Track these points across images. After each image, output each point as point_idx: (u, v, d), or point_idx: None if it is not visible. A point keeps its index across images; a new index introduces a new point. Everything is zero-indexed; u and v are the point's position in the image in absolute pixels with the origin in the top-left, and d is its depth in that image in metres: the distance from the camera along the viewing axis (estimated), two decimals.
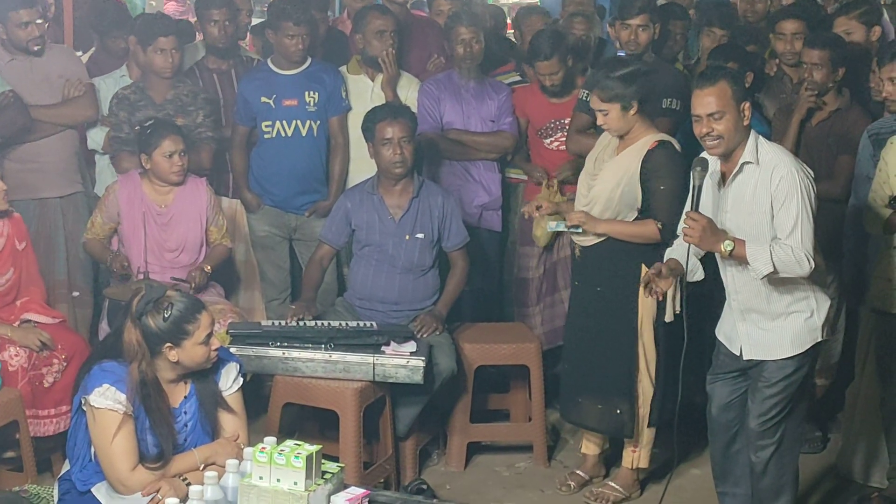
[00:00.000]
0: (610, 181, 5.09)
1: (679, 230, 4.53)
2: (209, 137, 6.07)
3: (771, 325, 4.47)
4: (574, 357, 5.37)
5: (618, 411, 5.19)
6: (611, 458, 5.58)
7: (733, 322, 4.54)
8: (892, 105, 5.20)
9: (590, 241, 5.18)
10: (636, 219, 5.10)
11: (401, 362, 5.09)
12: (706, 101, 4.29)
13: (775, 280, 4.36)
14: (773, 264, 4.22)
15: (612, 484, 5.36)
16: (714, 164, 4.41)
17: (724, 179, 4.41)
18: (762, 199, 4.32)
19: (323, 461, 3.62)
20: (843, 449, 5.53)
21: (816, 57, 5.59)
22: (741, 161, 4.35)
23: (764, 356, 4.49)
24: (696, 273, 4.61)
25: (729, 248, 4.26)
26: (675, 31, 6.41)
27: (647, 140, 5.08)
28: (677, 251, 4.56)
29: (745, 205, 4.37)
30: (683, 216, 4.36)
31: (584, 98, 5.82)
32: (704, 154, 4.45)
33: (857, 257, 5.50)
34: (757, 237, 4.30)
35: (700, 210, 4.36)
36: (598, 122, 5.10)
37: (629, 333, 5.14)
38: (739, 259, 4.30)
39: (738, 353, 4.55)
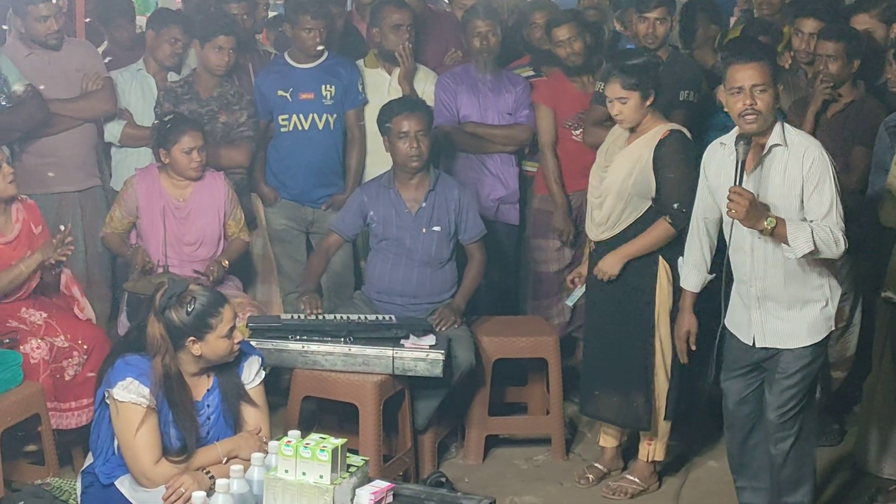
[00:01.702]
0: (622, 171, 5.09)
1: (699, 218, 4.64)
2: (249, 137, 6.13)
3: (787, 313, 4.46)
4: (592, 351, 5.37)
5: (634, 404, 5.20)
6: (629, 452, 5.58)
7: (746, 311, 4.52)
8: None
9: (603, 235, 5.19)
10: (649, 209, 5.09)
11: (420, 355, 5.10)
12: (750, 73, 4.29)
13: (796, 267, 4.38)
14: (814, 243, 4.23)
15: (630, 477, 5.37)
16: (732, 149, 4.39)
17: (744, 165, 4.38)
18: (794, 181, 4.33)
19: (349, 455, 3.65)
20: (859, 441, 5.53)
21: (832, 49, 5.60)
22: (770, 144, 4.35)
23: (780, 345, 4.49)
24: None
25: (771, 225, 4.24)
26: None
27: (658, 130, 5.08)
28: (692, 266, 4.74)
29: (776, 187, 4.36)
30: (727, 193, 4.30)
31: (599, 90, 5.84)
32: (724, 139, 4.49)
33: (873, 249, 5.50)
34: (787, 219, 4.31)
35: (719, 198, 4.40)
36: (613, 112, 5.05)
37: (646, 326, 5.15)
38: (780, 237, 4.27)
39: (750, 343, 4.53)
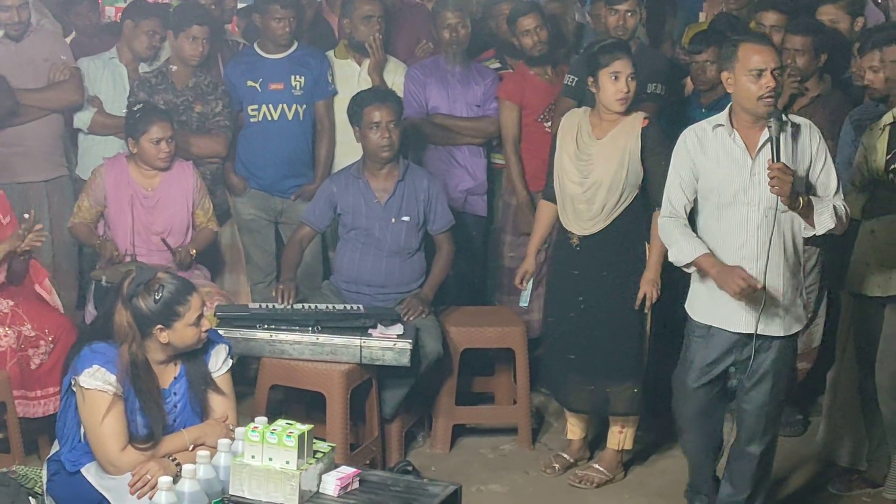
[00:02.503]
0: (611, 164, 5.10)
1: (677, 207, 4.56)
2: (226, 126, 6.14)
3: (783, 298, 4.49)
4: (581, 347, 5.28)
5: (634, 390, 5.20)
6: (595, 443, 5.62)
7: (731, 300, 4.43)
8: (873, 92, 5.25)
9: (588, 230, 5.19)
10: (636, 197, 5.13)
11: (388, 345, 5.12)
12: (772, 56, 4.35)
13: (791, 249, 4.45)
14: (835, 219, 4.32)
15: (597, 466, 5.40)
16: (730, 131, 4.41)
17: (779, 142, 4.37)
18: (801, 160, 4.40)
19: (315, 441, 3.66)
20: (823, 432, 5.58)
21: (799, 43, 5.65)
22: (774, 130, 4.38)
23: (778, 332, 4.50)
24: None
25: (805, 202, 4.30)
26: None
27: (635, 118, 5.11)
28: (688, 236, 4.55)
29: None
30: (751, 172, 4.36)
31: (569, 83, 5.86)
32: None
33: (838, 243, 5.55)
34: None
35: (716, 182, 4.40)
36: (621, 91, 5.02)
37: (639, 314, 5.15)
38: (807, 214, 4.33)
39: (746, 331, 4.45)
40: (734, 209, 4.39)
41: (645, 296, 5.10)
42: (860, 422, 5.34)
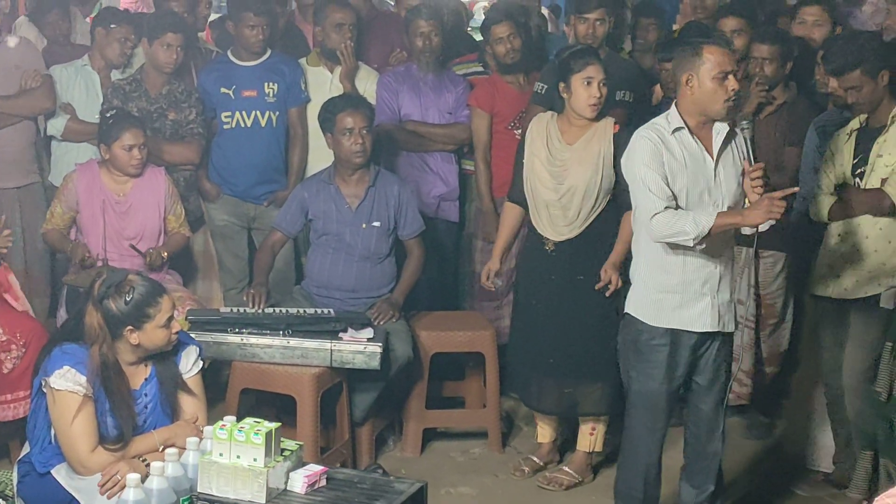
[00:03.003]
0: (586, 170, 5.14)
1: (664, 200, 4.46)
2: (199, 134, 6.17)
3: (734, 295, 4.61)
4: (552, 350, 5.31)
5: (605, 391, 5.23)
6: (564, 446, 5.67)
7: (698, 300, 4.47)
8: (837, 99, 5.32)
9: (564, 235, 5.23)
10: (609, 201, 5.18)
11: (358, 348, 5.16)
12: (734, 59, 4.43)
13: (729, 248, 4.54)
14: None
15: (566, 469, 5.45)
16: (685, 135, 4.45)
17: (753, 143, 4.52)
18: (740, 166, 4.48)
19: (283, 439, 3.69)
20: (789, 435, 5.65)
21: (766, 51, 5.72)
22: (727, 130, 4.46)
23: (731, 328, 4.60)
24: None
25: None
26: (618, 22, 6.52)
27: (605, 123, 5.17)
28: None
29: (734, 173, 4.49)
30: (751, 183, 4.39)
31: (539, 91, 5.92)
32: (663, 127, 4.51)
33: (803, 248, 5.62)
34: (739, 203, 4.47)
35: (683, 184, 4.40)
36: (594, 97, 5.08)
37: (612, 316, 5.14)
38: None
39: (711, 329, 4.50)
40: (700, 210, 4.44)
41: (610, 282, 5.14)
42: (826, 424, 5.40)
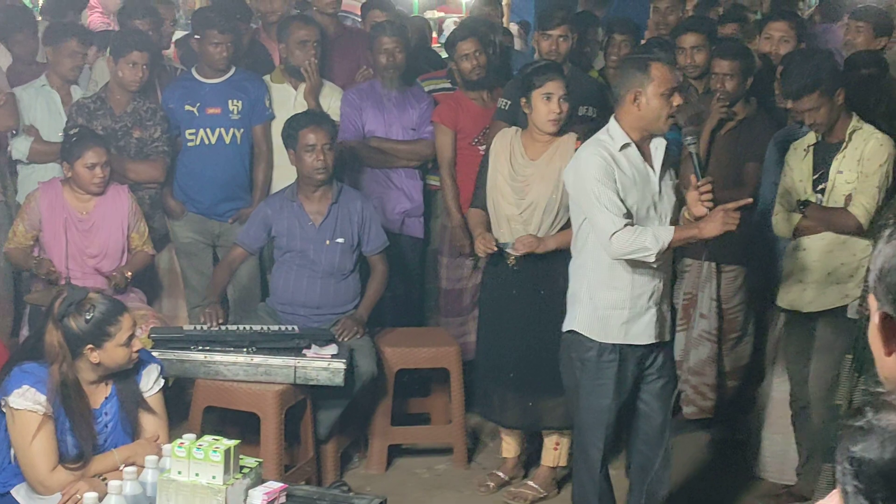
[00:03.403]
0: (547, 185, 5.17)
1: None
2: (164, 152, 6.16)
3: (668, 305, 4.67)
4: (516, 364, 5.33)
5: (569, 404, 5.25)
6: (529, 461, 5.68)
7: (644, 314, 4.51)
8: (797, 114, 5.36)
9: (527, 250, 5.25)
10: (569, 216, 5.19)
11: (322, 365, 5.16)
12: (678, 75, 4.53)
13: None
14: None
15: (531, 483, 5.46)
16: (632, 151, 4.47)
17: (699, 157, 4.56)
18: (675, 180, 4.59)
19: (242, 456, 3.69)
20: (752, 447, 5.68)
21: (727, 67, 5.76)
22: (665, 144, 4.51)
23: (669, 337, 4.67)
24: None
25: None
26: (589, 40, 6.56)
27: (568, 139, 5.19)
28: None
29: (671, 187, 4.57)
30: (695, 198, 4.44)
31: (503, 107, 5.95)
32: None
33: (764, 262, 5.67)
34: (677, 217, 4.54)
35: (634, 200, 4.42)
36: (554, 112, 5.12)
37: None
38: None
39: (654, 341, 4.56)
40: (647, 224, 4.46)
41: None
42: (789, 436, 5.44)
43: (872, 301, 1.76)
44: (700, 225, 4.39)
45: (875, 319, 1.74)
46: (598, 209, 4.37)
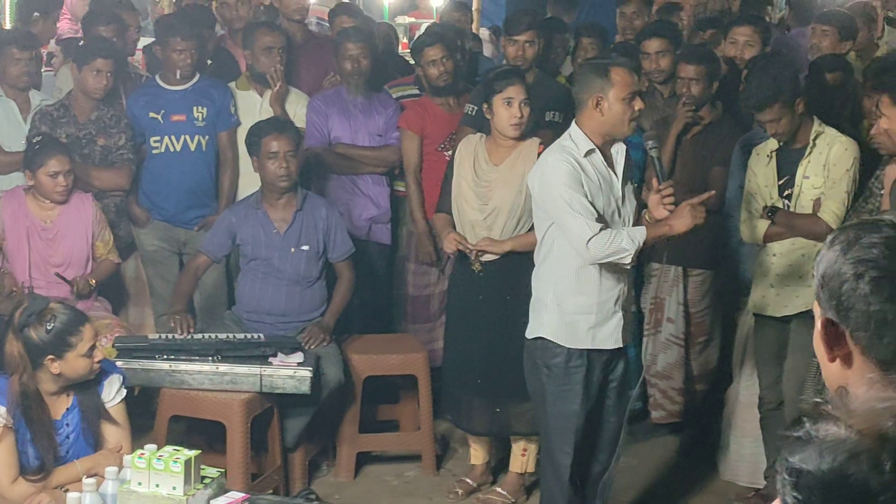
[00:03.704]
0: (510, 190, 5.16)
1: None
2: (129, 159, 6.12)
3: (631, 309, 4.68)
4: (483, 370, 5.30)
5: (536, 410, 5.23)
6: (498, 468, 5.67)
7: (610, 318, 4.52)
8: (759, 123, 5.36)
9: (492, 255, 5.24)
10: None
11: (288, 373, 5.13)
12: (637, 79, 4.57)
13: None
14: None
15: (499, 490, 5.45)
16: (596, 157, 4.47)
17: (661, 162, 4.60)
18: (634, 184, 4.63)
19: (204, 467, 3.66)
20: (721, 451, 5.68)
21: (693, 72, 5.77)
22: (625, 148, 4.53)
23: (630, 340, 4.69)
24: None
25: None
26: (556, 45, 6.56)
27: (531, 144, 5.18)
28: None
29: (631, 191, 4.60)
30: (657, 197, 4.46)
31: (469, 112, 5.94)
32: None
33: (731, 266, 5.68)
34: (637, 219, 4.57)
35: (600, 205, 4.43)
36: (515, 117, 5.09)
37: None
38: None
39: (618, 346, 4.57)
40: (612, 228, 4.47)
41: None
42: (758, 440, 5.44)
43: (816, 307, 1.76)
44: (670, 222, 4.42)
45: (818, 325, 1.74)
46: (570, 215, 4.36)
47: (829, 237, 1.78)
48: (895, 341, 1.68)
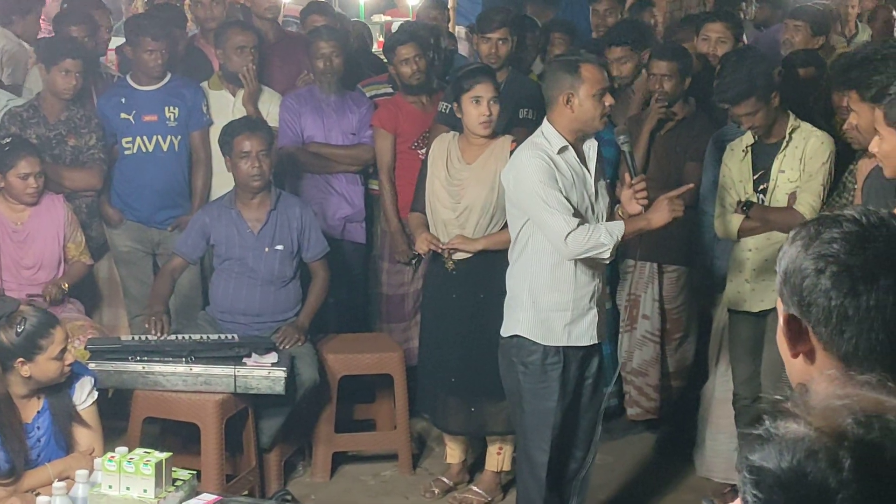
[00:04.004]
0: (482, 188, 5.15)
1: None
2: (100, 159, 6.09)
3: (603, 305, 4.68)
4: (457, 369, 5.28)
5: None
6: (475, 466, 5.66)
7: (585, 314, 4.51)
8: (735, 117, 5.36)
9: (463, 254, 5.23)
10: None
11: (262, 373, 5.11)
12: (606, 75, 4.52)
13: None
14: None
15: (476, 488, 5.43)
16: (569, 154, 4.47)
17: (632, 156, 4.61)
18: (605, 180, 4.64)
19: (175, 469, 3.64)
20: (697, 447, 5.68)
21: (665, 68, 5.76)
22: (597, 145, 4.53)
23: (604, 337, 4.69)
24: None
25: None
26: (528, 43, 6.55)
27: (503, 142, 5.17)
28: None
29: (603, 186, 4.60)
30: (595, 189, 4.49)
31: (443, 111, 5.92)
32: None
33: (705, 262, 5.68)
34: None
35: (574, 202, 4.42)
36: (483, 115, 5.08)
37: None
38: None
39: (594, 342, 4.57)
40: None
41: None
42: (734, 435, 5.43)
43: (779, 303, 1.75)
44: (648, 216, 4.43)
45: (781, 321, 1.73)
46: (547, 212, 4.35)
47: (791, 233, 1.77)
48: (856, 336, 1.67)
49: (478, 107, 5.08)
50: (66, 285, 5.69)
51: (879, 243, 1.69)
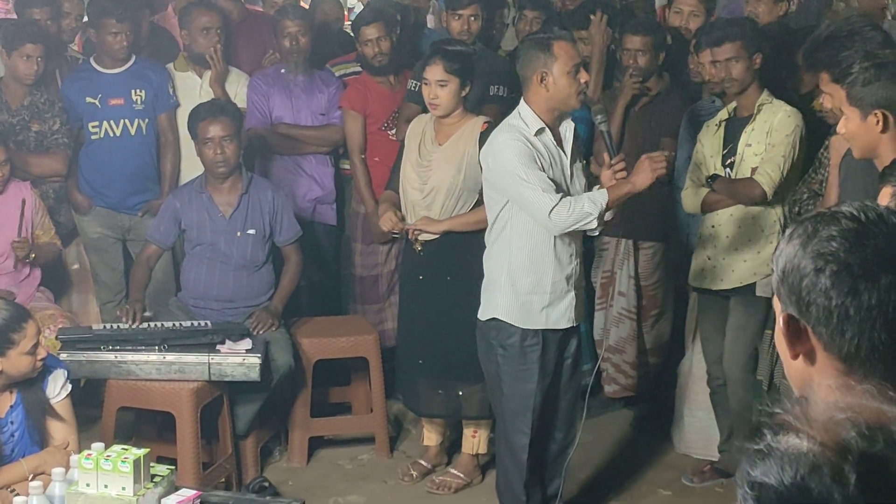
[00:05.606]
0: (449, 169, 5.10)
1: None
2: (65, 144, 5.99)
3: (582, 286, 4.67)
4: (431, 352, 5.25)
5: (485, 393, 5.07)
6: (452, 448, 5.63)
7: (564, 296, 4.50)
8: (713, 87, 5.34)
9: (431, 235, 5.18)
10: (477, 202, 5.09)
11: (237, 360, 5.05)
12: (579, 51, 4.51)
13: None
14: None
15: (454, 471, 5.41)
16: (548, 134, 4.43)
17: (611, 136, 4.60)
18: (581, 160, 4.61)
19: (153, 464, 3.59)
20: (675, 424, 5.68)
21: (639, 43, 5.71)
22: (573, 126, 4.51)
23: (582, 319, 4.69)
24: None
25: None
26: (496, 20, 6.49)
27: (475, 123, 5.12)
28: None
29: (580, 167, 4.59)
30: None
31: (412, 88, 5.85)
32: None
33: (681, 238, 5.65)
34: None
35: (557, 175, 4.41)
36: (430, 97, 5.06)
37: None
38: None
39: (572, 324, 4.57)
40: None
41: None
42: (711, 412, 5.43)
43: (777, 303, 1.71)
44: (631, 179, 4.39)
45: (780, 322, 1.69)
46: (529, 190, 4.31)
47: (788, 231, 1.73)
48: (858, 336, 1.63)
49: (427, 88, 5.06)
50: (35, 256, 5.58)
51: (879, 240, 1.65)
